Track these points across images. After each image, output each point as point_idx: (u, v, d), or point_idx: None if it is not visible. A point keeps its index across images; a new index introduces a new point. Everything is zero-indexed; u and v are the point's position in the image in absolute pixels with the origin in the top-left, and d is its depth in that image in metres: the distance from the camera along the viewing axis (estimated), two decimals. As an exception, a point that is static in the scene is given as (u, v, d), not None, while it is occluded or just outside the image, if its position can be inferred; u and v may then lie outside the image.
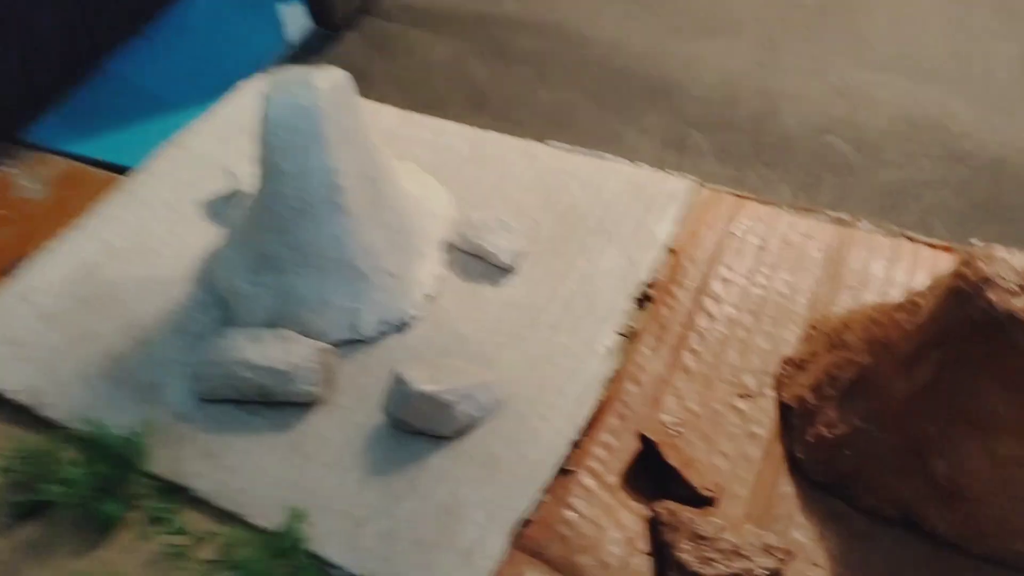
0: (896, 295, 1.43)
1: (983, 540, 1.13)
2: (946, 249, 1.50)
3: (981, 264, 1.05)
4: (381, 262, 1.44)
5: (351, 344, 1.44)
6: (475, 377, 1.33)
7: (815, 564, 1.17)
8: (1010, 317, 1.00)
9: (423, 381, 1.29)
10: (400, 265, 1.48)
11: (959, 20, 1.92)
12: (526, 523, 1.21)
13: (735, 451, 1.28)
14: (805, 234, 1.54)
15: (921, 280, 1.44)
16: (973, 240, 1.53)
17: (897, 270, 1.47)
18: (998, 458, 1.09)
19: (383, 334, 1.45)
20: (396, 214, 1.49)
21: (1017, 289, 1.02)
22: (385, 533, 1.22)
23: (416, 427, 1.31)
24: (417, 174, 1.64)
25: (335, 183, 1.36)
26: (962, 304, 1.05)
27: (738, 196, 1.62)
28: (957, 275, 1.07)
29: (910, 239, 1.51)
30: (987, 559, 1.14)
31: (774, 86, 1.79)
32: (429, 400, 1.28)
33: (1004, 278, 1.02)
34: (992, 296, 1.02)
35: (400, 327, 1.46)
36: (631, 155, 1.72)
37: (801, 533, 1.20)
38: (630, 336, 1.42)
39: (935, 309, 1.10)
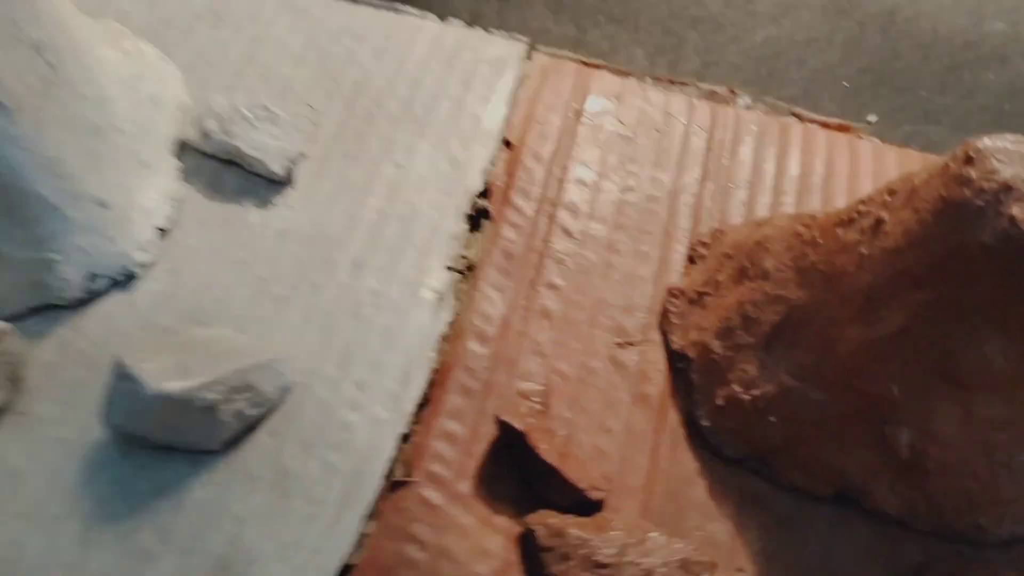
0: (792, 195, 1.12)
1: (939, 516, 0.89)
2: (842, 129, 1.20)
3: (994, 162, 0.73)
4: (79, 184, 0.93)
5: (46, 314, 0.93)
6: (246, 355, 0.88)
7: (739, 570, 0.88)
8: (1028, 242, 0.71)
9: (164, 374, 0.83)
10: (111, 186, 0.97)
11: None
12: (349, 573, 0.82)
13: (621, 425, 0.95)
14: (674, 115, 1.19)
15: (820, 172, 1.15)
16: (871, 118, 1.25)
17: (790, 160, 1.16)
18: (977, 421, 0.82)
19: (96, 294, 0.95)
20: (94, 106, 0.96)
21: (1036, 202, 0.72)
22: (131, 620, 0.78)
23: (159, 441, 0.85)
24: (126, 40, 1.10)
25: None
26: (967, 226, 0.74)
27: (584, 64, 1.23)
28: (955, 179, 0.75)
29: (799, 117, 1.20)
30: (940, 535, 0.90)
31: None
32: (177, 403, 0.82)
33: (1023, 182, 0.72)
34: (1017, 211, 0.72)
35: (122, 281, 0.96)
36: (439, 7, 1.27)
37: (718, 528, 0.90)
38: (465, 272, 1.03)
39: (917, 230, 0.78)
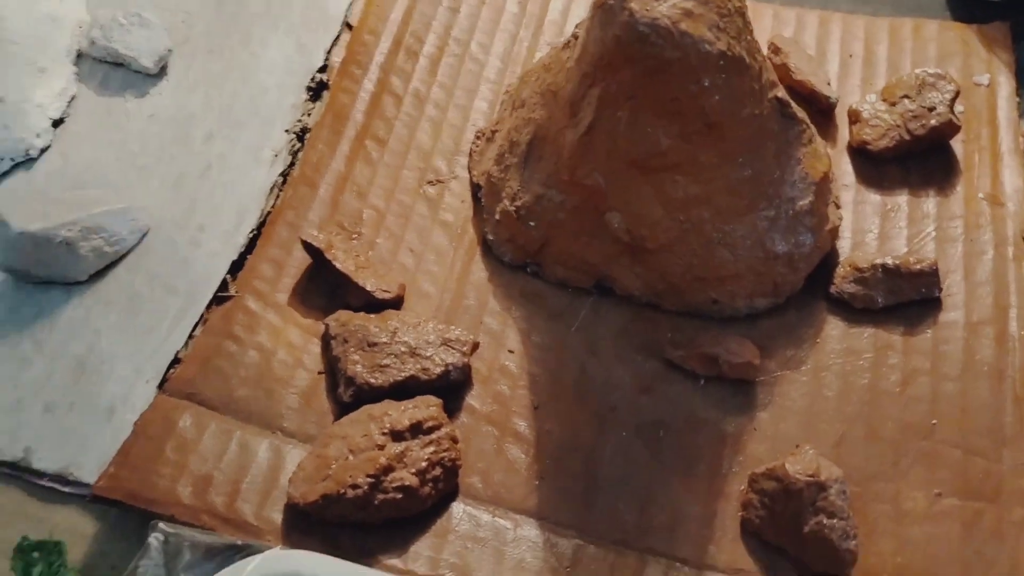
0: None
1: (678, 294, 1.01)
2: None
3: (624, -32, 0.86)
4: (-26, 83, 1.16)
5: (-38, 191, 1.17)
6: (104, 205, 1.10)
7: (509, 351, 1.03)
8: (653, 26, 0.83)
9: (29, 219, 1.05)
10: (8, 86, 1.20)
11: None
12: (177, 364, 1.02)
13: (423, 245, 1.11)
14: (504, -13, 1.33)
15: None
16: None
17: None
18: (674, 201, 0.95)
19: (2, 174, 1.18)
20: (-11, 22, 1.19)
21: (659, -7, 0.84)
22: (11, 405, 1.01)
23: (40, 276, 1.08)
24: (31, -26, 1.33)
25: None
26: (608, 22, 0.86)
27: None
28: (599, -17, 0.88)
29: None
30: (685, 314, 1.03)
31: None
32: (40, 240, 1.04)
33: (647, -18, 0.84)
34: (634, 5, 0.84)
35: (23, 162, 1.19)
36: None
37: (493, 320, 1.05)
38: (303, 135, 1.21)
39: (586, 37, 0.91)
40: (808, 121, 1.03)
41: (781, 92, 0.97)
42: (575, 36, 0.98)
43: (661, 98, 0.88)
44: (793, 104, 0.99)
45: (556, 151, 1.00)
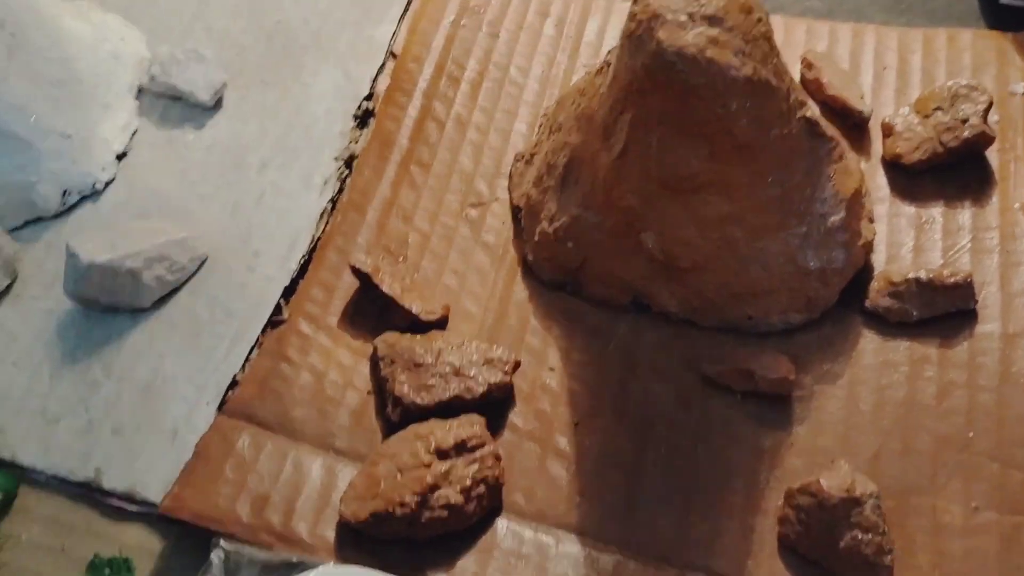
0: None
1: (714, 311, 1.04)
2: None
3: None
4: (46, 123, 1.23)
5: (36, 224, 1.25)
6: (165, 235, 1.16)
7: (550, 368, 1.06)
8: (681, 55, 0.86)
9: (97, 251, 1.12)
10: (76, 123, 1.27)
11: None
12: (235, 386, 1.08)
13: (465, 266, 1.15)
14: (539, 11, 1.36)
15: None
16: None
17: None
18: (706, 220, 0.97)
19: (71, 207, 1.26)
20: (57, 64, 1.26)
21: (687, 20, 0.86)
22: (82, 427, 1.08)
23: (106, 304, 1.14)
24: (93, 13, 1.40)
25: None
26: (637, 51, 0.89)
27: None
28: (630, 15, 0.91)
29: None
30: (722, 330, 1.05)
31: None
32: (107, 271, 1.11)
33: (674, 10, 0.87)
34: (662, 34, 0.87)
35: (90, 195, 1.27)
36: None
37: (534, 338, 1.09)
38: (351, 161, 1.26)
39: (617, 63, 0.94)
40: (839, 137, 1.05)
41: (811, 111, 0.99)
42: (607, 63, 1.01)
43: (690, 122, 0.91)
44: (822, 122, 1.01)
45: (592, 173, 1.03)
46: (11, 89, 1.20)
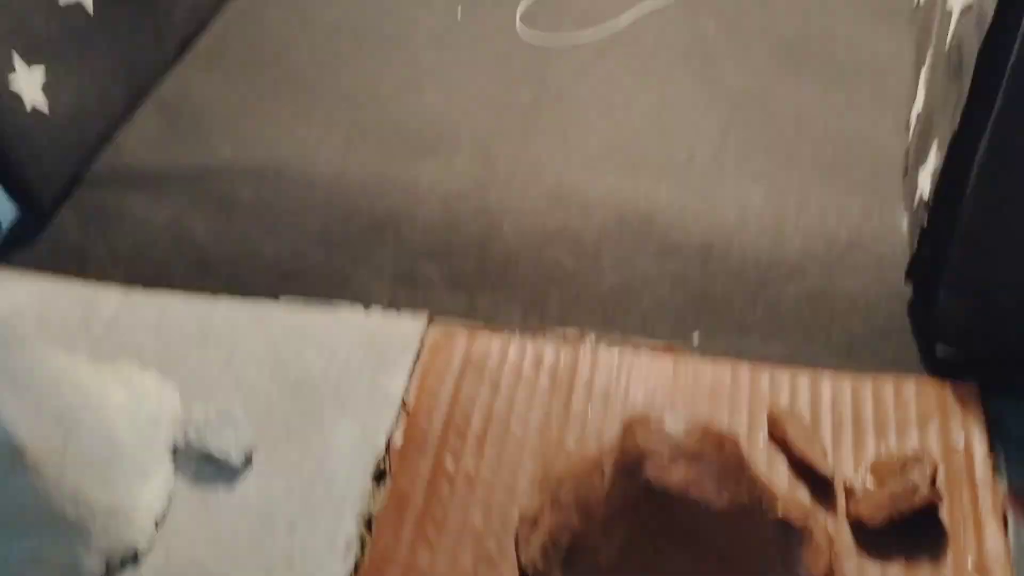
0: (617, 413, 1.44)
1: None
2: (667, 349, 1.52)
3: (638, 437, 1.06)
4: (93, 502, 1.36)
5: (80, 593, 1.36)
6: (208, 610, 1.28)
7: None
8: (665, 494, 1.02)
9: (145, 638, 1.23)
10: (119, 496, 1.40)
11: (662, 98, 1.95)
12: None
13: (474, 626, 1.27)
14: (534, 362, 1.54)
15: (652, 388, 1.47)
16: (696, 333, 1.56)
17: (632, 381, 1.48)
18: (696, 616, 1.11)
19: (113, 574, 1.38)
20: (104, 442, 1.41)
21: (669, 461, 1.03)
22: None
23: None
24: (133, 376, 1.56)
25: (10, 444, 1.28)
26: (628, 482, 1.05)
27: (469, 329, 1.61)
28: (621, 450, 1.08)
29: (633, 345, 1.53)
30: None
31: (493, 202, 1.78)
32: (154, 659, 1.22)
33: (658, 451, 1.04)
34: (649, 472, 1.03)
35: (131, 561, 1.39)
36: (365, 297, 1.69)
37: None
38: (370, 523, 1.39)
39: (612, 477, 1.10)
40: (807, 515, 1.20)
41: (781, 506, 1.14)
42: (601, 465, 1.17)
43: (676, 538, 1.06)
44: (793, 513, 1.16)
45: (591, 564, 1.17)
46: (67, 481, 1.34)
